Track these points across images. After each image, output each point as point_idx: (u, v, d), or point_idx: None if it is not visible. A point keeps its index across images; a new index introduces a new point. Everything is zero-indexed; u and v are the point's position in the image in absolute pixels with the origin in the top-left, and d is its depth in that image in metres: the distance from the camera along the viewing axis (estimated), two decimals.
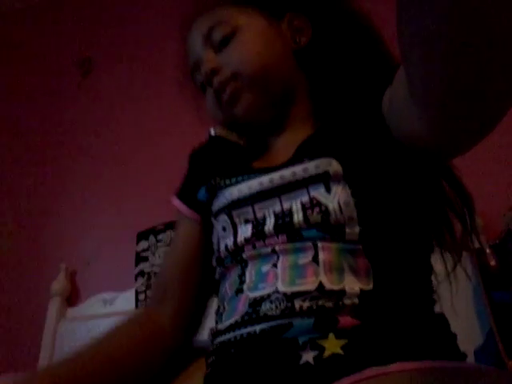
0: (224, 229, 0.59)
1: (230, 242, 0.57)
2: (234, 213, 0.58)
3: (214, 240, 0.62)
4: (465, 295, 1.01)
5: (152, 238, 1.68)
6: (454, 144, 0.46)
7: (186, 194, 0.70)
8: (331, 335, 0.46)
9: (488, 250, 1.08)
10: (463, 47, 0.30)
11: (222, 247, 0.58)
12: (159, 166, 1.87)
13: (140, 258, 1.67)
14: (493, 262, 1.06)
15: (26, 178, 2.11)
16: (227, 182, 0.61)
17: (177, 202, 0.69)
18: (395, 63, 0.59)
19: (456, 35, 0.30)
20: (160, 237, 1.67)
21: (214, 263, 0.61)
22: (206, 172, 0.66)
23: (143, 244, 1.69)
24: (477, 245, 1.14)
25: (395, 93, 0.48)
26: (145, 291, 1.59)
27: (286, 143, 0.63)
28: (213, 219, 0.63)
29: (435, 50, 0.31)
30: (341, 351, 0.45)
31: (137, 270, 1.65)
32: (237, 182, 0.59)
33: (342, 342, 0.46)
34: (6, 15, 2.47)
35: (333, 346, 0.45)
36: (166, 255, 0.71)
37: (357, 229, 0.51)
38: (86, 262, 1.81)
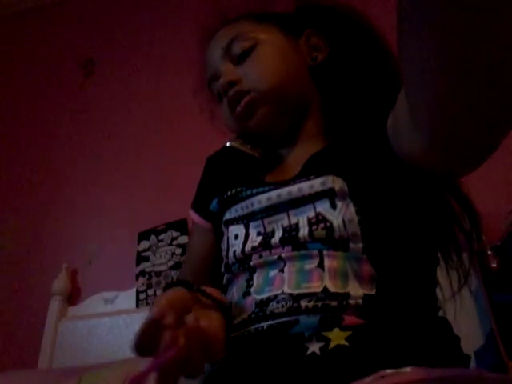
0: (236, 237, 0.61)
1: (238, 249, 0.59)
2: (251, 224, 0.60)
3: (223, 246, 0.63)
4: (466, 297, 1.01)
5: (153, 238, 1.68)
6: (453, 167, 0.46)
7: (199, 204, 0.74)
8: (336, 329, 0.48)
9: (489, 252, 1.08)
10: (461, 79, 0.30)
11: (231, 253, 0.60)
12: (161, 166, 1.87)
13: (141, 258, 1.67)
14: (494, 264, 1.06)
15: (26, 178, 2.12)
16: (240, 195, 0.63)
17: (192, 214, 0.74)
18: None
19: (454, 67, 0.29)
20: (161, 237, 1.67)
21: (223, 269, 0.63)
22: (219, 183, 0.69)
23: (144, 244, 1.69)
24: (477, 247, 1.15)
25: (398, 115, 0.49)
26: (145, 290, 1.59)
27: (296, 157, 0.65)
28: (224, 227, 0.65)
29: (433, 80, 0.31)
30: (346, 342, 0.46)
31: (138, 269, 1.65)
32: (250, 195, 0.61)
33: (347, 333, 0.47)
34: (8, 16, 2.48)
35: (338, 337, 0.47)
36: (185, 261, 0.77)
37: (360, 245, 0.52)
38: (88, 262, 1.81)
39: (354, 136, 0.60)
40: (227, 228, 0.63)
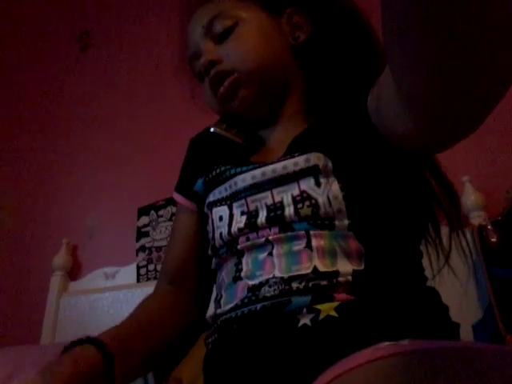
0: (221, 218, 0.61)
1: (224, 231, 0.59)
2: (234, 205, 0.60)
3: (209, 229, 0.64)
4: (465, 271, 1.02)
5: (153, 214, 1.68)
6: (438, 142, 0.46)
7: (183, 185, 0.74)
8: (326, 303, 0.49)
9: (490, 226, 1.07)
10: (446, 53, 0.29)
11: (217, 235, 0.61)
12: (160, 141, 1.86)
13: (141, 233, 1.68)
14: (494, 239, 1.06)
15: (25, 153, 2.11)
16: (225, 174, 0.62)
17: (176, 196, 0.74)
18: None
19: (438, 41, 0.29)
20: (161, 212, 1.67)
21: (210, 252, 0.63)
22: (204, 163, 0.69)
23: (144, 219, 1.70)
24: (478, 221, 1.15)
25: (381, 92, 0.49)
26: (146, 266, 1.61)
27: (279, 139, 0.65)
28: (207, 209, 0.65)
29: (418, 56, 0.31)
30: (335, 313, 0.48)
31: (138, 244, 1.66)
32: (234, 175, 0.61)
33: (336, 303, 0.48)
34: None
35: (327, 308, 0.48)
36: (171, 242, 0.75)
37: (346, 221, 0.53)
38: (88, 237, 1.82)
39: (336, 115, 0.60)
40: (211, 210, 0.63)
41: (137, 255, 1.64)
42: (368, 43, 0.64)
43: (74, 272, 1.76)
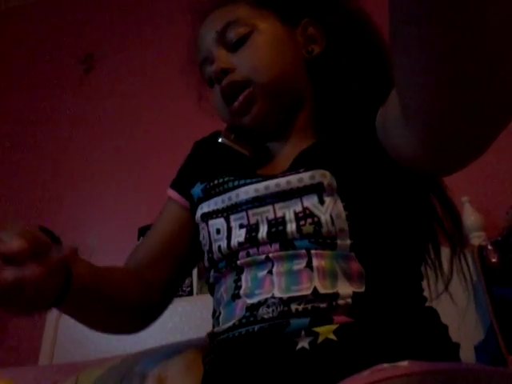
0: (218, 231, 0.59)
1: (223, 244, 0.58)
2: (232, 217, 0.58)
3: (205, 241, 0.62)
4: (464, 292, 1.01)
5: None
6: (444, 164, 0.47)
7: (180, 184, 0.71)
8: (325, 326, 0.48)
9: (490, 247, 1.07)
10: (453, 83, 0.30)
11: (215, 248, 0.59)
12: (161, 161, 1.87)
13: None
14: (494, 259, 1.06)
15: (27, 173, 2.12)
16: (226, 185, 0.61)
17: (170, 191, 0.72)
18: None
19: (446, 71, 0.30)
20: None
21: (207, 264, 0.62)
22: (206, 168, 0.67)
23: None
24: (477, 242, 1.15)
25: (388, 113, 0.49)
26: None
27: (286, 152, 0.64)
28: (201, 220, 0.63)
29: (423, 69, 0.31)
30: (334, 337, 0.47)
31: None
32: (237, 186, 0.59)
33: (334, 326, 0.48)
34: (8, 11, 2.47)
35: (326, 331, 0.48)
36: (151, 230, 0.72)
37: (348, 241, 0.52)
38: (88, 257, 1.81)
39: (344, 131, 0.59)
40: (206, 223, 0.62)
41: None
42: (382, 61, 0.63)
43: None
